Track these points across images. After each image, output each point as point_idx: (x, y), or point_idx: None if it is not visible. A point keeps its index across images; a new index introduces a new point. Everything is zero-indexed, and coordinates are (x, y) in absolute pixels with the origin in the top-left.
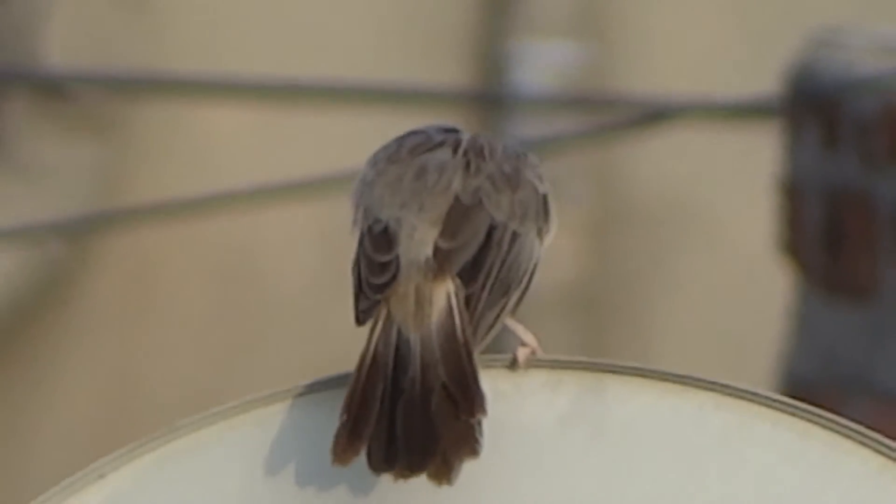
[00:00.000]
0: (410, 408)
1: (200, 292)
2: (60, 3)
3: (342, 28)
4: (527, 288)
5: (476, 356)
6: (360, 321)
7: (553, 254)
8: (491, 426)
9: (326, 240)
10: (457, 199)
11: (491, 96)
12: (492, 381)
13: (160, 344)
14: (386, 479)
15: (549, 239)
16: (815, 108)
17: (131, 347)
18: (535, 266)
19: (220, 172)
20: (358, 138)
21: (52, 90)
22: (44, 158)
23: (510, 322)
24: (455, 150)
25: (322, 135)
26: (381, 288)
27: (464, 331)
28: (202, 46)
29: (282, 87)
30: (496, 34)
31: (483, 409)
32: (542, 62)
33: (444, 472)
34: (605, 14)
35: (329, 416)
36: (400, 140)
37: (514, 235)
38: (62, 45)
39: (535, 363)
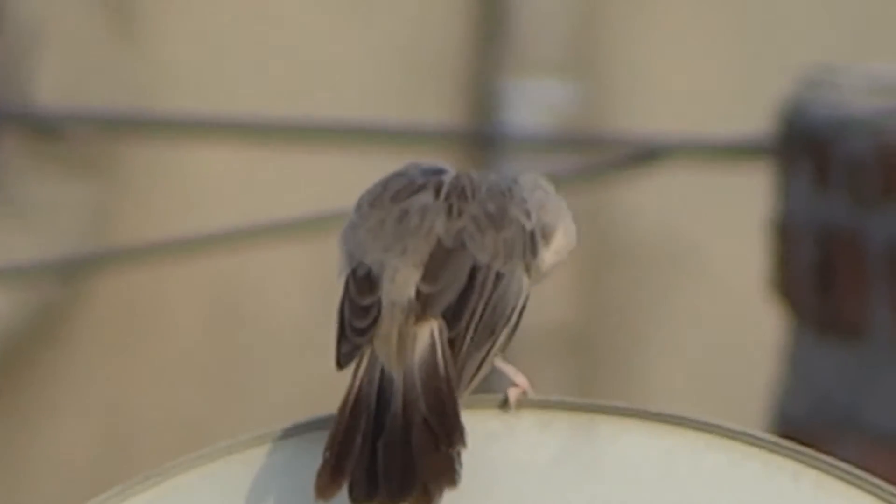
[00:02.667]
0: (391, 442)
1: (193, 331)
2: (51, 41)
3: (332, 67)
4: (516, 326)
5: (458, 390)
6: (340, 365)
7: (544, 294)
8: (482, 466)
9: (318, 278)
10: (439, 242)
11: (482, 135)
12: (483, 422)
13: (153, 383)
14: None
15: (557, 250)
16: (807, 146)
17: (124, 386)
18: (525, 303)
19: (213, 211)
20: (349, 177)
21: (43, 129)
22: (36, 198)
23: (500, 363)
24: (437, 193)
25: (313, 174)
26: (364, 331)
27: (446, 366)
28: (194, 86)
29: (273, 127)
30: (487, 72)
31: (462, 441)
32: (533, 101)
33: (424, 502)
34: (597, 53)
35: (316, 457)
36: (383, 183)
37: (499, 276)
38: (53, 85)
39: (526, 403)
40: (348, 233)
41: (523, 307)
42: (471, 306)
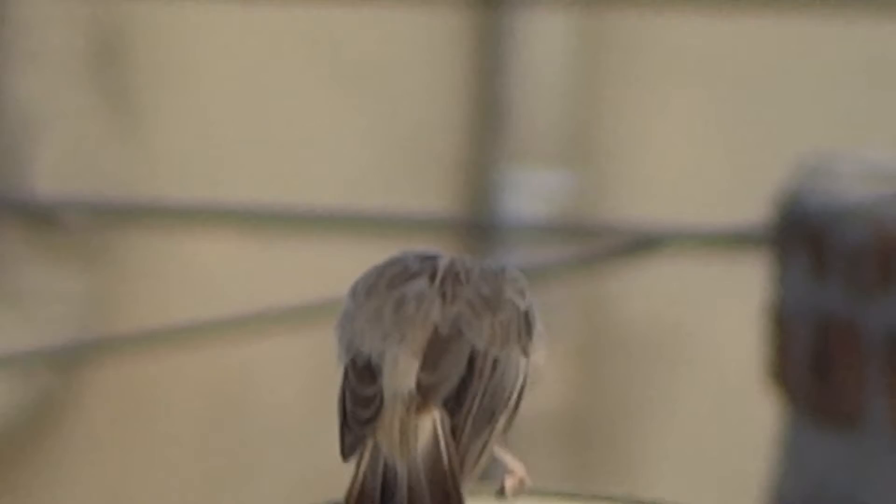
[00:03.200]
0: None
1: (192, 420)
2: (49, 129)
3: (332, 156)
4: (516, 408)
5: (462, 480)
6: (345, 455)
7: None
8: None
9: (319, 366)
10: (436, 329)
11: (479, 224)
12: None
13: (152, 472)
14: None
15: (539, 355)
16: (804, 235)
17: (122, 474)
18: (523, 385)
19: (209, 300)
20: (348, 265)
21: (41, 217)
22: (33, 286)
23: (498, 451)
24: (432, 279)
25: (311, 262)
26: (367, 422)
27: (450, 458)
28: (191, 174)
29: (272, 215)
30: (484, 161)
31: None
32: (530, 190)
33: None
34: (593, 142)
35: None
36: (379, 270)
37: (496, 361)
38: (51, 172)
39: (522, 492)
40: (345, 321)
41: (522, 389)
42: (471, 394)
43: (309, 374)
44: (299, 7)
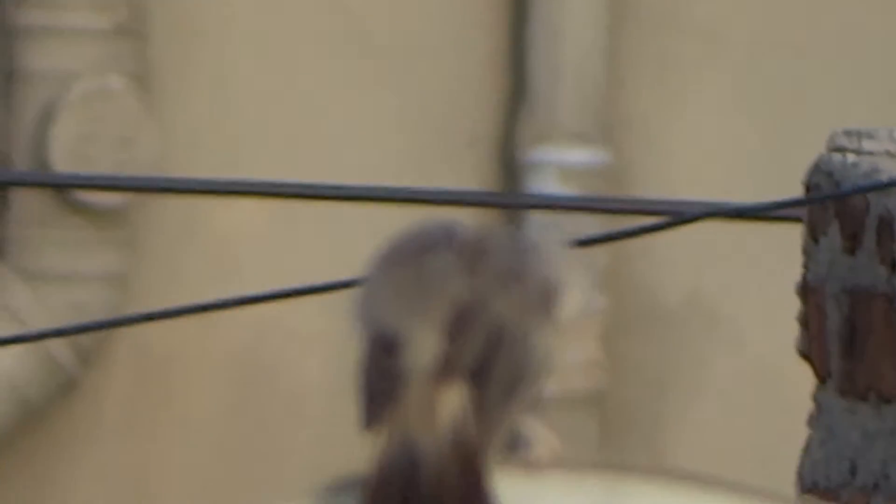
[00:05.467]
0: None
1: (212, 397)
2: (71, 108)
3: (358, 135)
4: (542, 383)
5: (487, 455)
6: (366, 427)
7: (568, 359)
8: None
9: (340, 343)
10: (461, 300)
11: (508, 202)
12: (507, 482)
13: (171, 451)
14: None
15: (566, 328)
16: (836, 210)
17: (142, 454)
18: (549, 359)
19: (232, 276)
20: (371, 241)
21: (61, 196)
22: (53, 265)
23: (528, 423)
24: (456, 249)
25: (339, 240)
26: (387, 395)
27: (473, 431)
28: (216, 151)
29: (298, 192)
30: (513, 140)
31: None
32: (559, 168)
33: None
34: (624, 119)
35: None
36: (400, 241)
37: (523, 332)
38: (72, 151)
39: (554, 464)
40: (365, 293)
41: (549, 363)
42: (496, 366)
43: (331, 350)
44: None
